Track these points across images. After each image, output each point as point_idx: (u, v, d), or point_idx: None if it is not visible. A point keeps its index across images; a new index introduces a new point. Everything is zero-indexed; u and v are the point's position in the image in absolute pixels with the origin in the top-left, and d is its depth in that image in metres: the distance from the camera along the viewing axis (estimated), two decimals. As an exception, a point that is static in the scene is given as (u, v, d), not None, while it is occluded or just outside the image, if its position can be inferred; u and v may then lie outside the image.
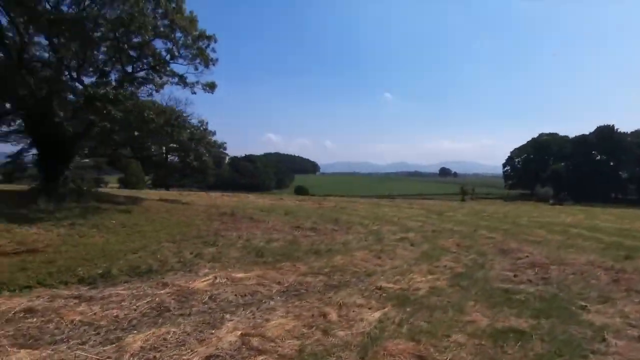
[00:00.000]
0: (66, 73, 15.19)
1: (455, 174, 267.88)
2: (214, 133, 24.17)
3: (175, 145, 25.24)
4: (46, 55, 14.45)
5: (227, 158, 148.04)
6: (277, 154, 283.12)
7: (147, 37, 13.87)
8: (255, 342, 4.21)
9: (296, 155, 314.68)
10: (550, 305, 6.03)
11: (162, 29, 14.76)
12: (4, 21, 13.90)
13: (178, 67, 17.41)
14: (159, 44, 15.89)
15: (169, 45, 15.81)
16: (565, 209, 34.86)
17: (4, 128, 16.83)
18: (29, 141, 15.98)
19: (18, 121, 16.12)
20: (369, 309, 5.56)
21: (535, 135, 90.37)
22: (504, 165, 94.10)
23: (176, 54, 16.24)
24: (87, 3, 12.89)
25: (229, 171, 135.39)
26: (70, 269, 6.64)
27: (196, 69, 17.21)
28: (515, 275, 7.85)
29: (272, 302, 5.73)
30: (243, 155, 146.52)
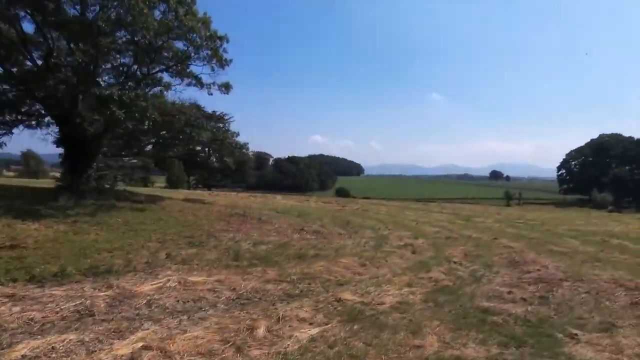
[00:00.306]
0: (90, 76, 15.80)
1: (507, 178, 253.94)
2: (237, 134, 24.30)
3: (197, 148, 25.72)
4: (69, 59, 15.12)
5: (271, 160, 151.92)
6: (321, 156, 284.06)
7: (156, 38, 14.08)
8: (147, 356, 3.81)
9: (340, 157, 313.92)
10: (532, 331, 5.11)
11: (176, 31, 14.94)
12: (31, 27, 14.72)
13: (194, 69, 17.62)
14: (177, 45, 16.16)
15: (185, 46, 16.00)
16: (621, 217, 31.54)
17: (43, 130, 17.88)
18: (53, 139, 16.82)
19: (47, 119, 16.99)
20: (310, 324, 4.98)
21: (595, 136, 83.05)
22: (559, 169, 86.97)
23: (192, 54, 16.40)
24: (97, 7, 13.33)
25: (272, 172, 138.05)
26: (32, 266, 6.64)
27: (212, 69, 17.31)
28: (509, 292, 6.86)
29: (210, 311, 5.32)
30: (288, 156, 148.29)
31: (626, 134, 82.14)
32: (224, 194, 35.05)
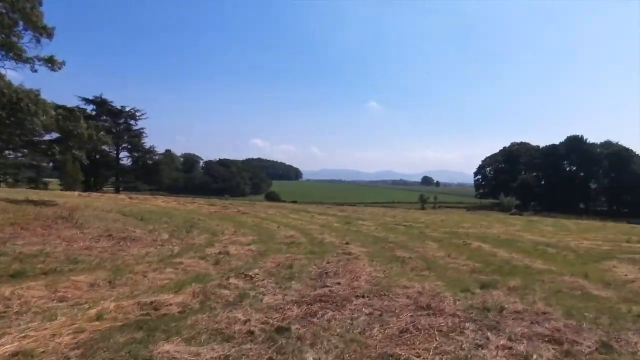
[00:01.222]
0: None
1: (437, 183, 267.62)
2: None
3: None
4: None
5: (202, 162, 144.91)
6: (259, 160, 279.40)
7: None
8: None
9: (280, 161, 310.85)
10: None
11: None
12: None
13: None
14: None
15: None
16: (513, 219, 32.50)
17: None
18: None
19: None
20: None
21: (508, 144, 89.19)
22: (475, 174, 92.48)
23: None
24: None
25: (202, 175, 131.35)
26: None
27: (37, 40, 14.10)
28: (245, 322, 4.86)
29: None
30: (219, 159, 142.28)
31: (535, 142, 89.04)
32: (93, 195, 30.74)
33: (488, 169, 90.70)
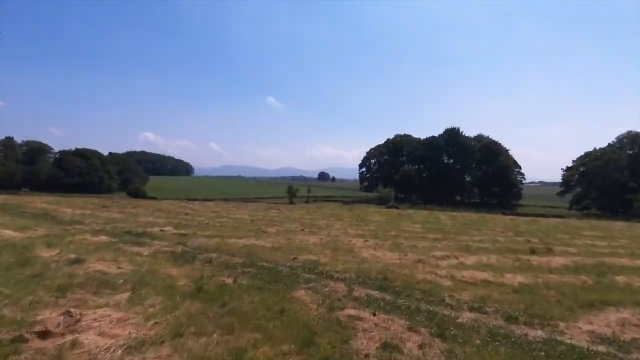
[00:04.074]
0: None
1: (333, 179, 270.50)
2: None
3: None
4: None
5: (55, 153, 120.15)
6: (143, 153, 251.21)
7: None
8: None
9: (169, 156, 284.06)
10: None
11: None
12: None
13: None
14: None
15: None
16: (367, 214, 26.37)
17: None
18: None
19: None
20: None
21: (392, 136, 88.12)
22: (360, 167, 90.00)
23: None
24: None
25: (51, 169, 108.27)
26: None
27: None
28: None
29: None
30: (75, 149, 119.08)
31: (417, 135, 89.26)
32: None
33: (372, 161, 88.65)
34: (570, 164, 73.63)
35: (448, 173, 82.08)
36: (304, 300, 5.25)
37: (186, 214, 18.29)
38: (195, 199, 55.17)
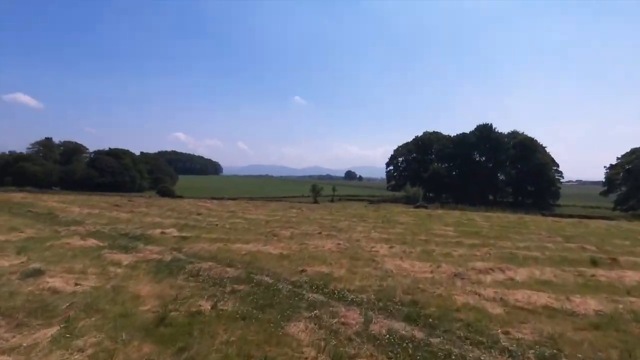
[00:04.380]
0: None
1: (360, 178, 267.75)
2: None
3: None
4: None
5: (90, 153, 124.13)
6: (174, 153, 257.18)
7: None
8: None
9: (199, 155, 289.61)
10: None
11: None
12: None
13: None
14: None
15: None
16: (393, 215, 24.52)
17: None
18: None
19: None
20: None
21: (420, 134, 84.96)
22: (387, 165, 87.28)
23: None
24: None
25: (85, 168, 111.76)
26: None
27: None
28: None
29: None
30: (109, 148, 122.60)
31: (447, 132, 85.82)
32: None
33: (400, 159, 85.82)
34: (613, 162, 68.47)
35: (480, 171, 78.37)
36: (300, 340, 3.79)
37: (199, 214, 17.21)
38: (222, 198, 54.94)
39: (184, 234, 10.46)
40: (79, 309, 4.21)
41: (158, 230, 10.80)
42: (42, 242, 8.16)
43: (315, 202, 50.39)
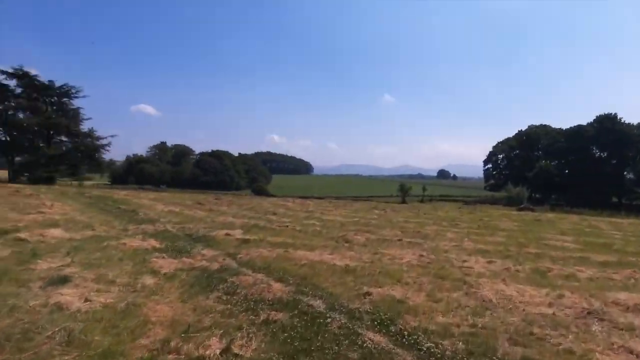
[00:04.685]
0: None
1: (454, 177, 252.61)
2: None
3: None
4: None
5: (196, 155, 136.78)
6: (268, 154, 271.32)
7: None
8: None
9: (291, 155, 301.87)
10: None
11: None
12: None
13: None
14: None
15: None
16: (493, 219, 21.19)
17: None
18: None
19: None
20: None
21: (524, 128, 75.53)
22: (485, 163, 79.05)
23: None
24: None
25: (191, 168, 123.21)
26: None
27: None
28: None
29: None
30: (211, 150, 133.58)
31: (556, 125, 75.28)
32: None
33: (500, 156, 77.39)
34: None
35: (600, 169, 67.08)
36: None
37: (274, 213, 16.58)
38: (309, 197, 55.41)
39: (247, 237, 9.64)
40: (61, 341, 3.30)
41: (224, 232, 10.16)
42: (100, 241, 7.91)
43: (403, 202, 47.68)
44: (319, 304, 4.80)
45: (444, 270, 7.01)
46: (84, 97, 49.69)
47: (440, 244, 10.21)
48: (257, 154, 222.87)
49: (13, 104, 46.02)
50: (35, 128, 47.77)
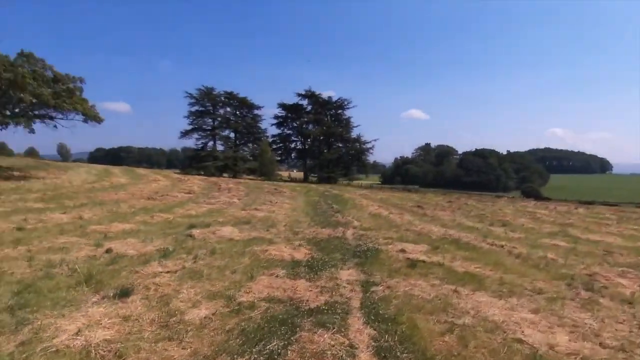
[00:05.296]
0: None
1: None
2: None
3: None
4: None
5: (458, 155, 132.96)
6: (546, 150, 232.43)
7: None
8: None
9: (581, 151, 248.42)
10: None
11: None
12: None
13: None
14: None
15: None
16: None
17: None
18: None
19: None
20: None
21: None
22: None
23: None
24: None
25: (454, 168, 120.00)
26: None
27: None
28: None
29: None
30: (475, 149, 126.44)
31: None
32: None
33: None
34: None
35: None
36: None
37: (504, 224, 12.54)
38: (592, 203, 42.64)
39: (423, 257, 7.09)
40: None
41: (401, 246, 7.95)
42: (260, 244, 7.44)
43: None
44: None
45: None
46: (354, 107, 58.77)
47: None
48: (532, 151, 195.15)
49: (305, 119, 58.43)
50: (320, 137, 59.05)
